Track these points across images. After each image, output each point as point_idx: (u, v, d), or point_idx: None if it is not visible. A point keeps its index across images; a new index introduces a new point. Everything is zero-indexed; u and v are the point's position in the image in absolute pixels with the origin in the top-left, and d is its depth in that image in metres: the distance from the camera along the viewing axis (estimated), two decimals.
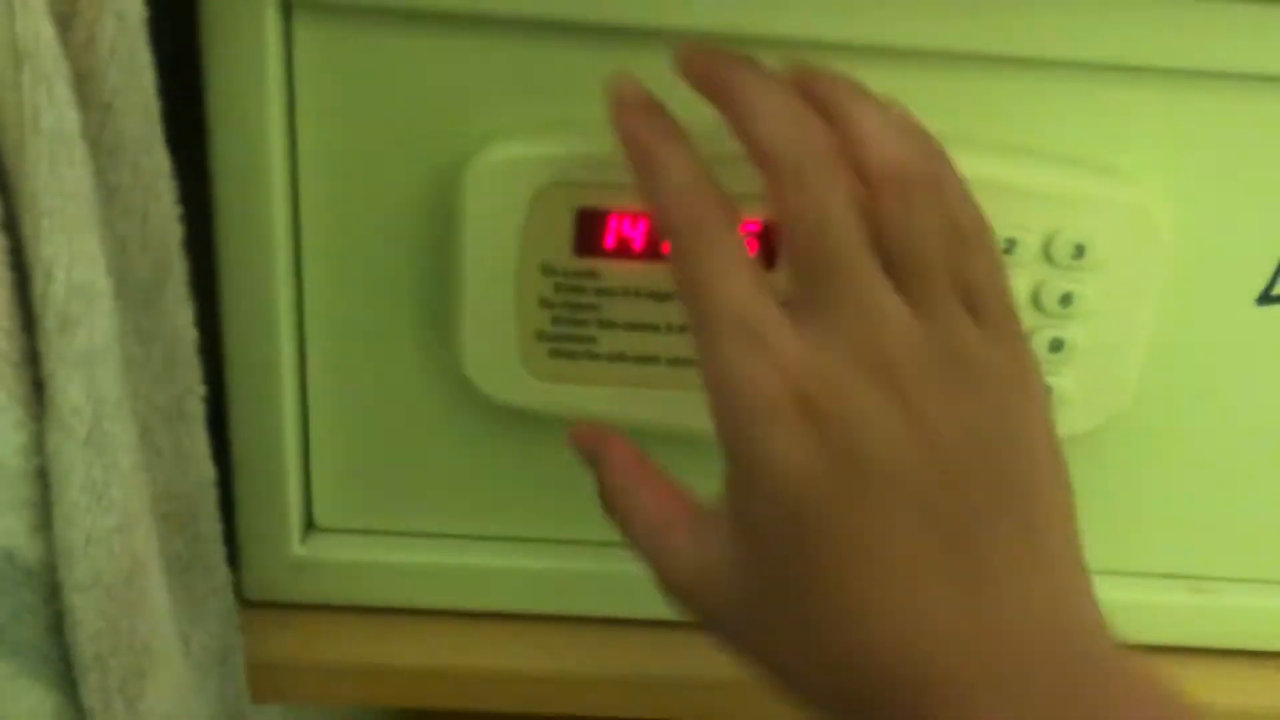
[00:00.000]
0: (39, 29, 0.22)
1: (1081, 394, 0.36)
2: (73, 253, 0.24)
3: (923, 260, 0.27)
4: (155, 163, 0.27)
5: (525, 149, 0.33)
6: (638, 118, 0.29)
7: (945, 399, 0.26)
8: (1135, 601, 0.41)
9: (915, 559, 0.25)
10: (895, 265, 0.27)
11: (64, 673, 0.27)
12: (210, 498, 0.33)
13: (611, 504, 0.31)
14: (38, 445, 0.25)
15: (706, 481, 0.40)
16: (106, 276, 0.26)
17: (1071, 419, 0.36)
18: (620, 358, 0.36)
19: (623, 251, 0.34)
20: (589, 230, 0.34)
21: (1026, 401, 0.27)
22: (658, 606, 0.41)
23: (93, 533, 0.26)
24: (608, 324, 0.35)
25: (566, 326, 0.35)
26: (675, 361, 0.36)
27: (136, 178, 0.26)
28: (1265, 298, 0.37)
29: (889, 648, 0.25)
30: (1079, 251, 0.34)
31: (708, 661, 0.40)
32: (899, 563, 0.25)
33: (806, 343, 0.26)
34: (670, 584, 0.29)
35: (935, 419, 0.26)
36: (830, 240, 0.27)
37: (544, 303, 0.35)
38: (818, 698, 0.27)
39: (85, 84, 0.24)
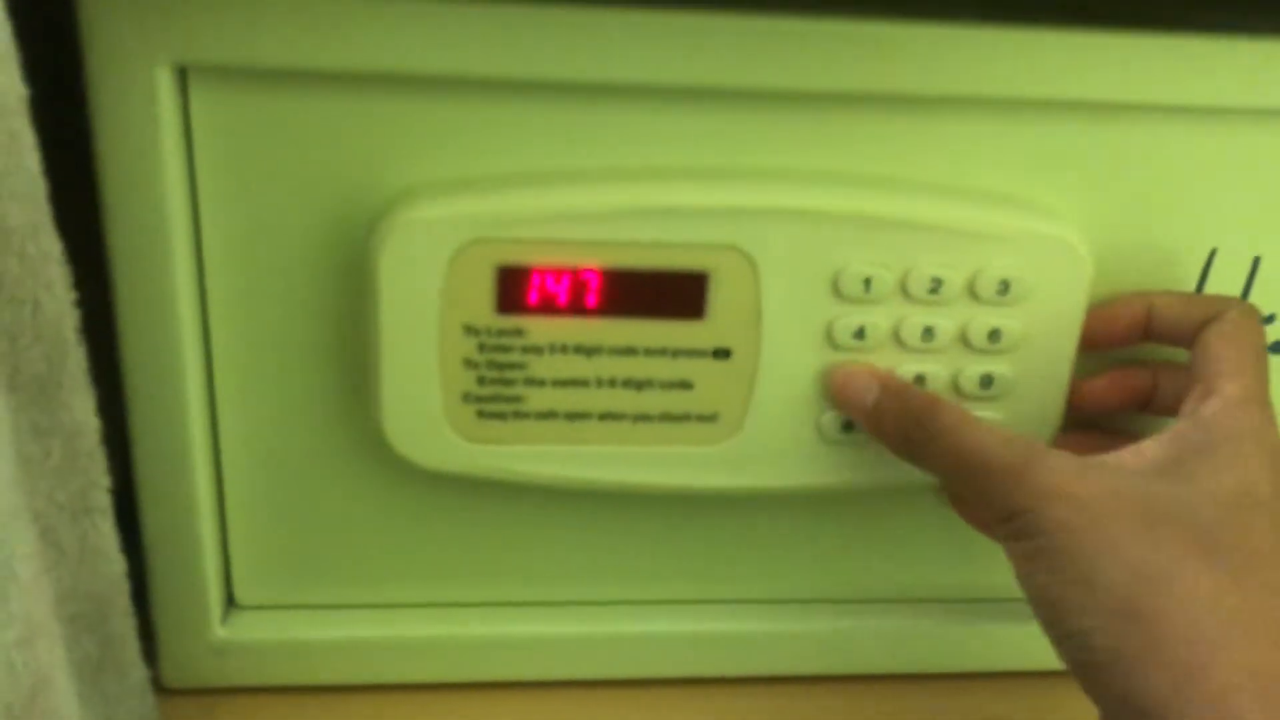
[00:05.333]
0: None
1: (1012, 427, 0.36)
2: None
3: None
4: (44, 248, 0.25)
5: (441, 207, 0.32)
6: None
7: None
8: None
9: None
10: None
11: None
12: (122, 593, 0.31)
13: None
14: None
15: (641, 538, 0.39)
16: None
17: None
18: (550, 415, 0.35)
19: (547, 307, 0.33)
20: (511, 287, 0.33)
21: None
22: (598, 667, 0.40)
23: None
24: (536, 382, 0.34)
25: (493, 386, 0.34)
26: (606, 416, 0.35)
27: (24, 265, 0.25)
28: None
29: None
30: (1004, 287, 0.34)
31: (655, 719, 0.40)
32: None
33: None
34: None
35: None
36: None
37: (468, 363, 0.34)
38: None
39: None
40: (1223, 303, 0.34)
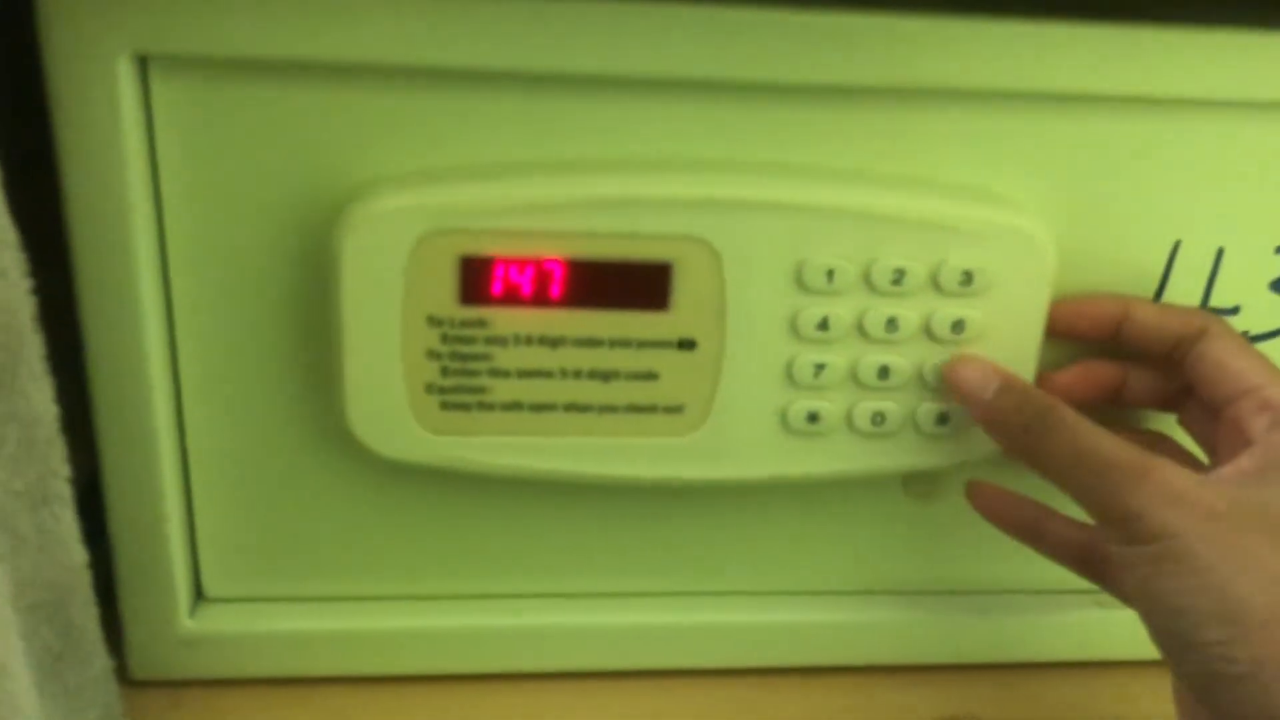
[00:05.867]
0: None
1: None
2: None
3: None
4: None
5: (403, 198, 0.32)
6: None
7: None
8: (1044, 618, 0.42)
9: None
10: None
11: None
12: (83, 581, 0.31)
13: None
14: None
15: (608, 530, 0.39)
16: None
17: (969, 445, 0.37)
18: (515, 407, 0.35)
19: (511, 298, 0.34)
20: (474, 278, 0.33)
21: None
22: (567, 659, 0.40)
23: None
24: (500, 373, 0.34)
25: (457, 378, 0.34)
26: (571, 408, 0.35)
27: None
28: None
29: None
30: (967, 278, 0.34)
31: (620, 711, 0.40)
32: None
33: None
34: None
35: None
36: None
37: (432, 354, 0.34)
38: None
39: None
40: (1200, 317, 0.35)
